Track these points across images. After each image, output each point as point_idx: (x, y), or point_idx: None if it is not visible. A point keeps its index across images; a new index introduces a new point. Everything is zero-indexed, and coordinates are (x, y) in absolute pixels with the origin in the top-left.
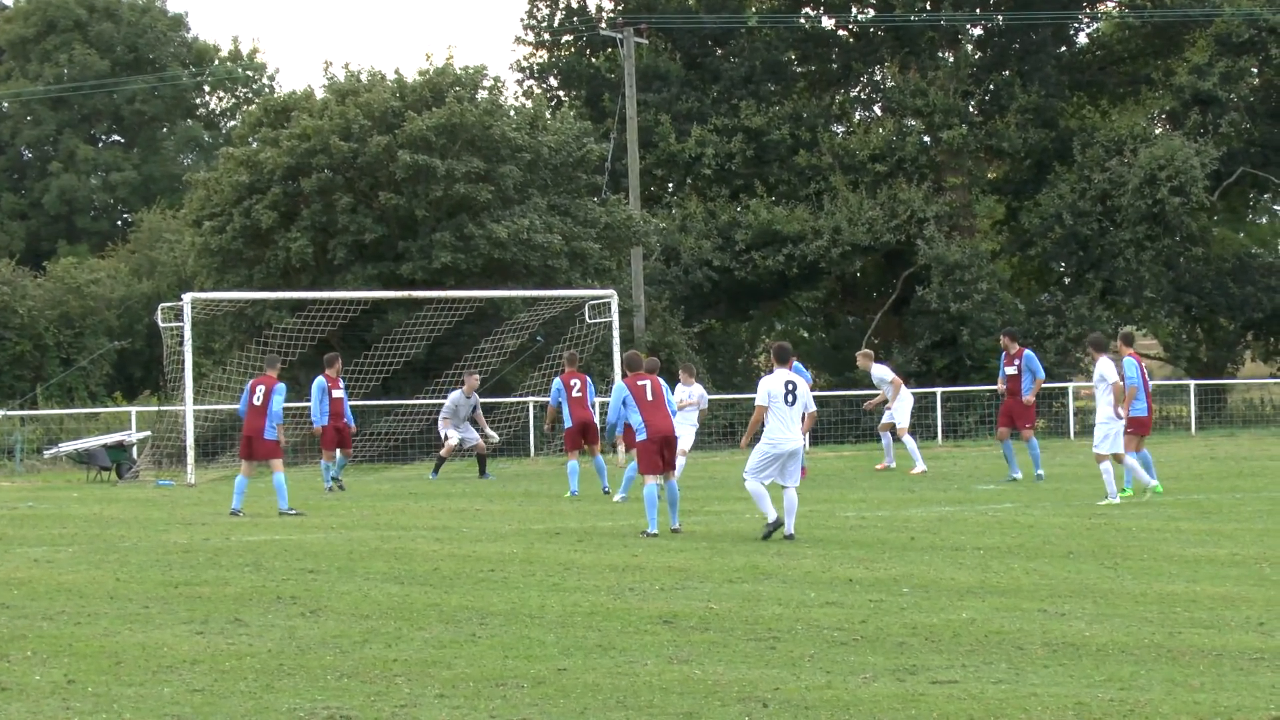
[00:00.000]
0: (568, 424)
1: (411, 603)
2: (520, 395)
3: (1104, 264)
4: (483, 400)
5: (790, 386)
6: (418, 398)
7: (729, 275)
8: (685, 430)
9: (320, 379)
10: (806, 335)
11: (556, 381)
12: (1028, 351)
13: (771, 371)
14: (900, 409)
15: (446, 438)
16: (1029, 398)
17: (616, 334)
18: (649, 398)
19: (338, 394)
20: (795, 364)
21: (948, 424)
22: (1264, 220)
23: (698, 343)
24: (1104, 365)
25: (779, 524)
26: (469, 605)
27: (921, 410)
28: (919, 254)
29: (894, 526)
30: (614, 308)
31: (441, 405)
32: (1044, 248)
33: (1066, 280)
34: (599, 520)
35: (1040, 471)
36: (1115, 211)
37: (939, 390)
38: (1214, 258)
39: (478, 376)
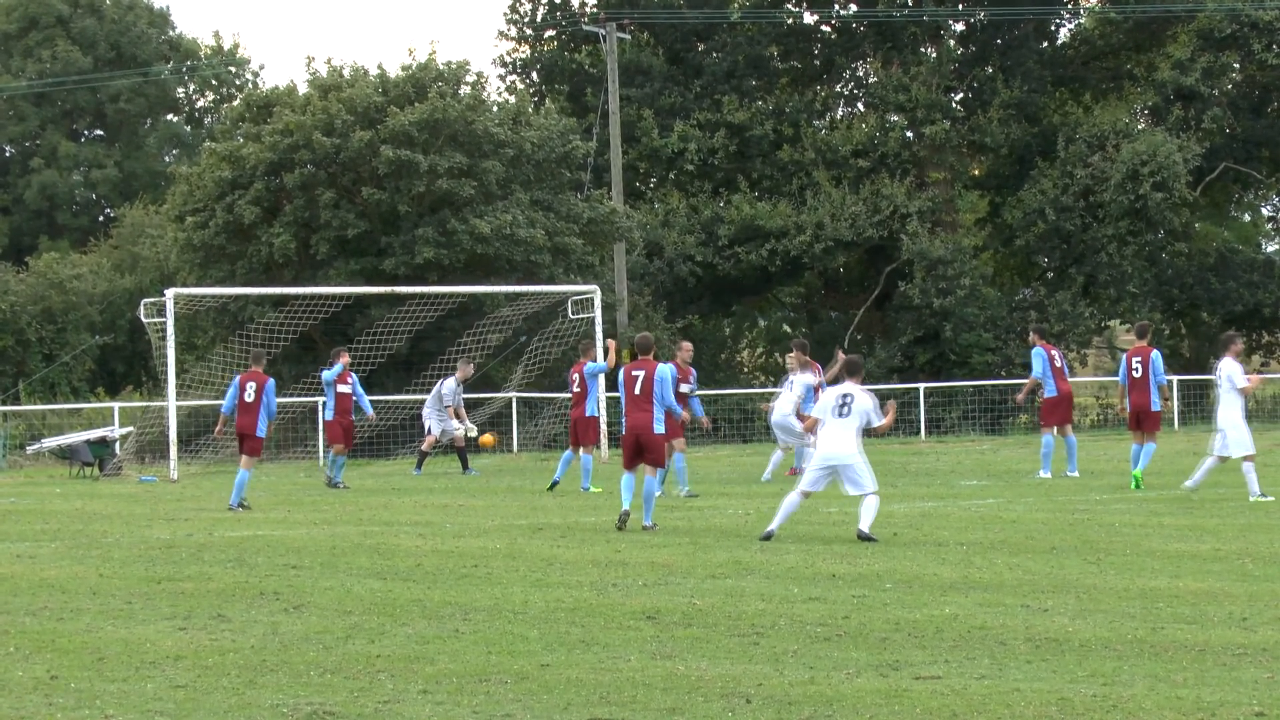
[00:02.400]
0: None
1: (394, 598)
2: (504, 391)
3: (1086, 259)
4: (465, 395)
5: (844, 399)
6: (400, 393)
7: (712, 270)
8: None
9: (328, 373)
10: (789, 330)
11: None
12: (1034, 348)
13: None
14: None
15: (429, 431)
16: (1020, 395)
17: (600, 329)
18: (636, 391)
19: (344, 389)
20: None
21: (930, 420)
22: (1246, 216)
23: (680, 338)
24: (1230, 366)
25: (770, 536)
26: (452, 601)
27: (904, 406)
28: (902, 249)
29: (877, 522)
30: (597, 303)
31: (425, 399)
32: (1027, 243)
33: (1049, 275)
34: (582, 515)
35: (1042, 473)
36: (1098, 207)
37: (921, 386)
38: (1196, 253)
39: (472, 366)
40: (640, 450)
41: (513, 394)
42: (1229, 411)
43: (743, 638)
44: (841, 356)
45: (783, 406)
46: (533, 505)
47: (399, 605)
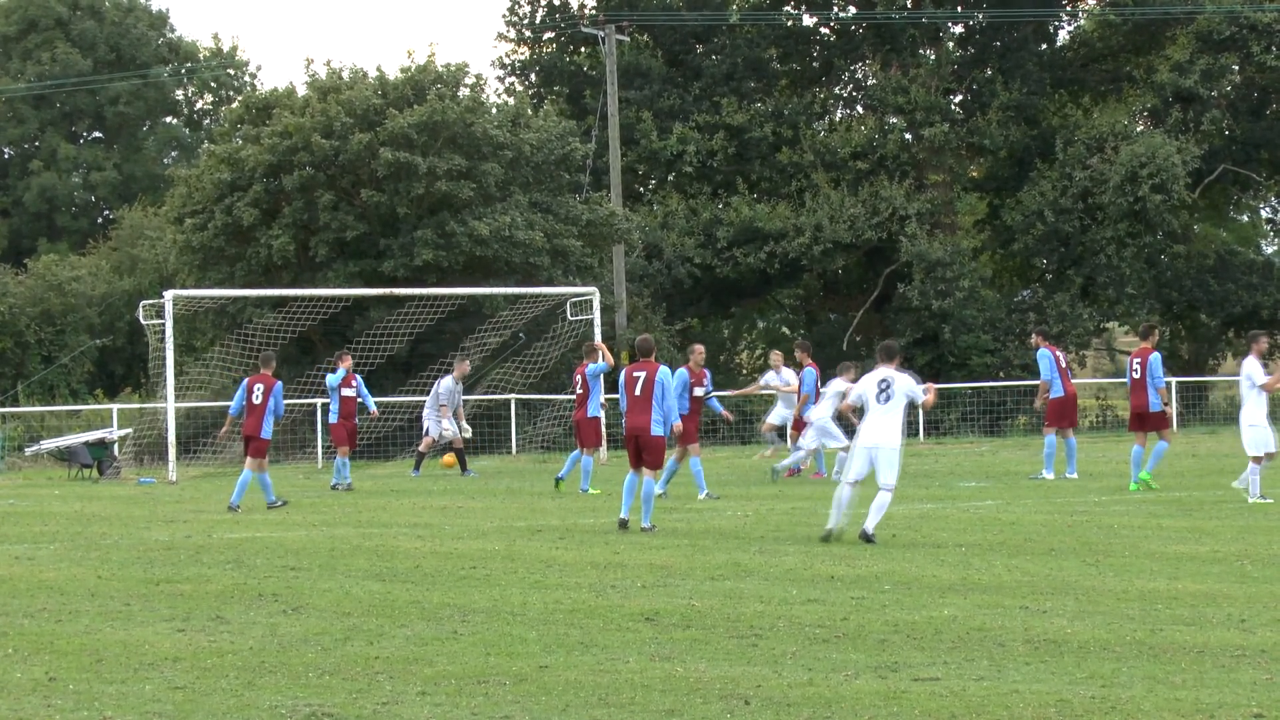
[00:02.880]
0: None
1: (393, 600)
2: (502, 392)
3: (1085, 261)
4: (464, 397)
5: (884, 384)
6: (398, 394)
7: (710, 272)
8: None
9: (332, 378)
10: (788, 332)
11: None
12: (1039, 350)
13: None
14: (781, 412)
15: (427, 432)
16: (1037, 401)
17: (598, 331)
18: (636, 392)
19: (349, 392)
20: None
21: (929, 421)
22: (1245, 218)
23: (679, 340)
24: (1250, 365)
25: (829, 536)
26: (451, 602)
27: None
28: (901, 251)
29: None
30: (595, 305)
31: (425, 400)
32: (1025, 245)
33: (1048, 277)
34: (580, 517)
35: (1045, 473)
36: (1097, 209)
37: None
38: (1195, 255)
39: (469, 363)
40: (639, 452)
41: (477, 397)
42: (1251, 410)
43: (741, 639)
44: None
45: (821, 410)
46: (531, 507)
47: (397, 607)
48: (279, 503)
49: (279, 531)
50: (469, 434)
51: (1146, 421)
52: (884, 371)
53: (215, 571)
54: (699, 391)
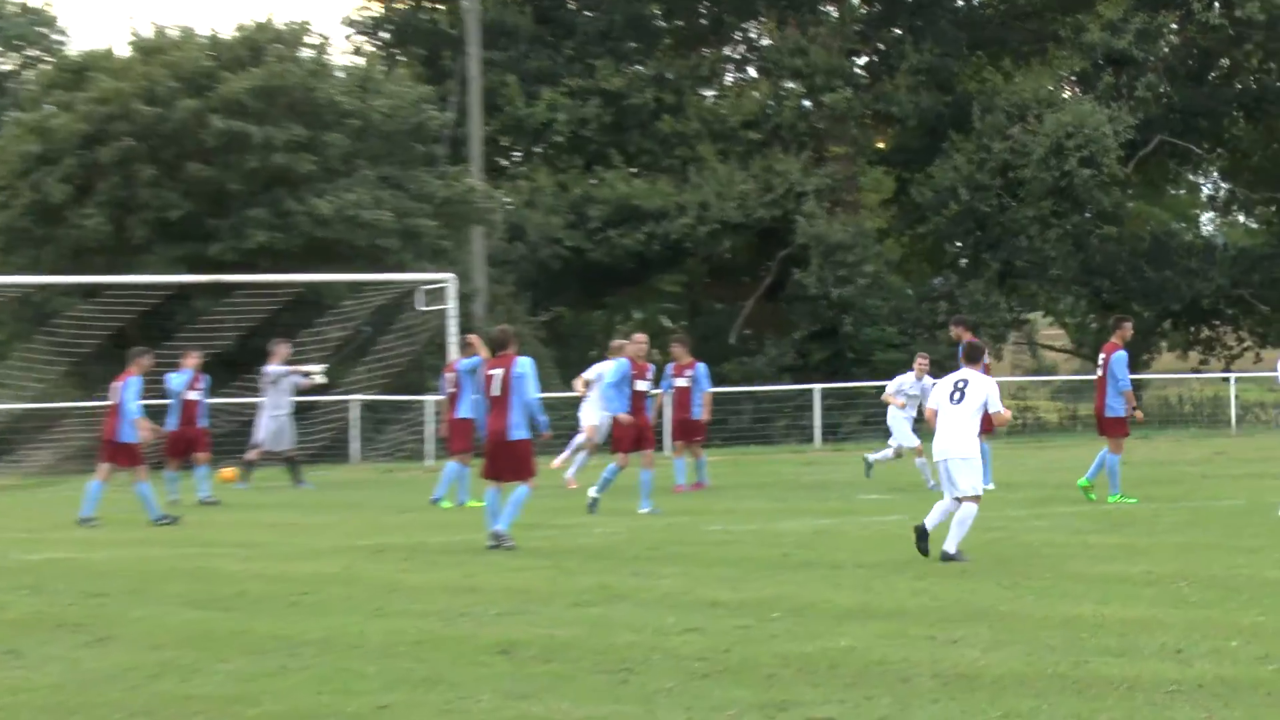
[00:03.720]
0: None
1: (212, 630)
2: (343, 393)
3: (1004, 243)
4: (305, 398)
5: (960, 384)
6: (226, 395)
7: (582, 256)
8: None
9: (175, 379)
10: (669, 324)
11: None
12: (962, 344)
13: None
14: None
15: (257, 439)
16: None
17: (455, 323)
18: (494, 392)
19: (194, 395)
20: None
21: (827, 425)
22: (1183, 192)
23: (544, 333)
24: None
25: (923, 533)
26: (278, 633)
27: (798, 409)
28: (797, 232)
29: (765, 541)
30: (451, 293)
31: (257, 401)
32: (937, 225)
33: (962, 262)
34: (429, 535)
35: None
36: (1018, 185)
37: (817, 387)
38: (1128, 237)
39: (288, 345)
40: (499, 460)
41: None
42: None
43: (610, 675)
44: None
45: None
46: (375, 523)
47: (217, 638)
48: (92, 518)
49: (83, 552)
50: (319, 374)
51: (1101, 426)
52: (964, 373)
53: (9, 598)
54: (641, 385)
